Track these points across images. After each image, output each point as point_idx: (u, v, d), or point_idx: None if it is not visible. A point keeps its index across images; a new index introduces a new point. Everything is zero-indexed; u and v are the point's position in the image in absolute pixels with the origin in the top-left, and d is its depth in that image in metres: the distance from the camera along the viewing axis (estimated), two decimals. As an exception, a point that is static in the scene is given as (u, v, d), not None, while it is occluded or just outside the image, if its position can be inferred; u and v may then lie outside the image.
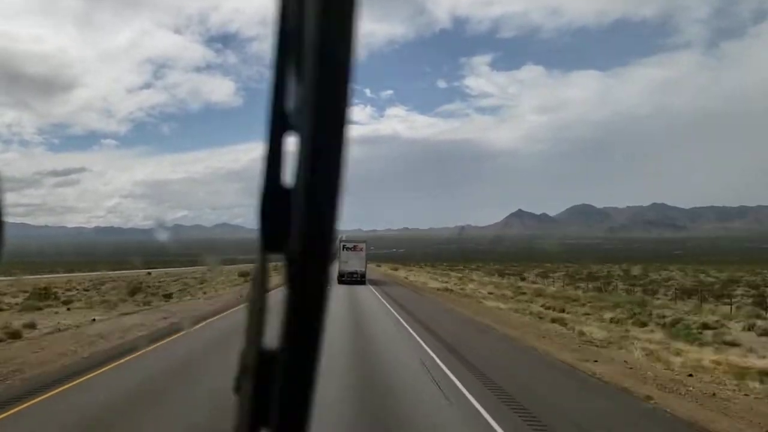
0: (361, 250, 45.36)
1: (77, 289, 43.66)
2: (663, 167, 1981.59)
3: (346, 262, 44.70)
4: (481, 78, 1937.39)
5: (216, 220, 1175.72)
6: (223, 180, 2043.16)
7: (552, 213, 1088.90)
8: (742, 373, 12.74)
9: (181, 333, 17.63)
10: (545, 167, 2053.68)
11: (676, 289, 43.89)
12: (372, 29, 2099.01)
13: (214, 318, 22.13)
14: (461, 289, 44.99)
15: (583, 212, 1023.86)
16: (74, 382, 10.91)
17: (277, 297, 0.75)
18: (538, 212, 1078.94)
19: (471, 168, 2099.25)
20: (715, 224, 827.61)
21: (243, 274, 52.81)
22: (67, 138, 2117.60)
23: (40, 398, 9.73)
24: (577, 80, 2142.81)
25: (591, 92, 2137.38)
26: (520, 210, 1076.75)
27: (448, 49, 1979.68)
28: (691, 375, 12.69)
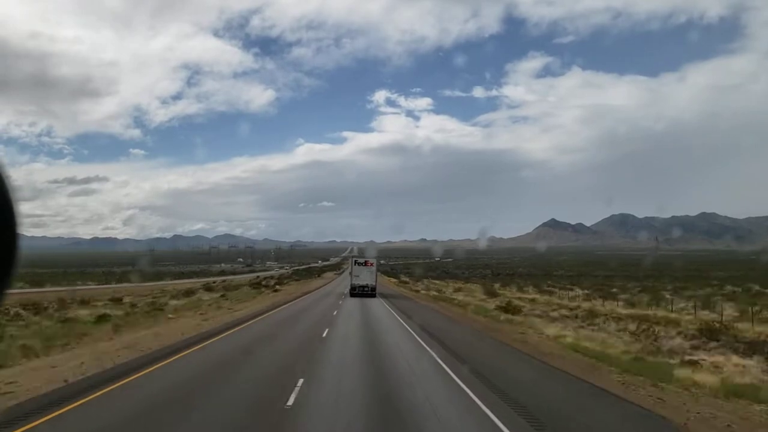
0: (372, 265, 51.40)
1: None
2: (712, 176, 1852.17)
3: (357, 276, 50.21)
4: (522, 86, 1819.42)
5: (220, 231, 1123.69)
6: (245, 192, 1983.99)
7: (588, 223, 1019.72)
8: None
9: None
10: (581, 177, 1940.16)
11: None
12: (424, 34, 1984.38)
13: None
14: None
15: (622, 222, 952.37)
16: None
17: None
18: (573, 222, 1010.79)
19: (501, 177, 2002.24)
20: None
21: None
22: (96, 148, 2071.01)
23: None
24: (625, 86, 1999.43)
25: (637, 98, 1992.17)
26: (553, 219, 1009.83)
27: (495, 54, 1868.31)
28: None
